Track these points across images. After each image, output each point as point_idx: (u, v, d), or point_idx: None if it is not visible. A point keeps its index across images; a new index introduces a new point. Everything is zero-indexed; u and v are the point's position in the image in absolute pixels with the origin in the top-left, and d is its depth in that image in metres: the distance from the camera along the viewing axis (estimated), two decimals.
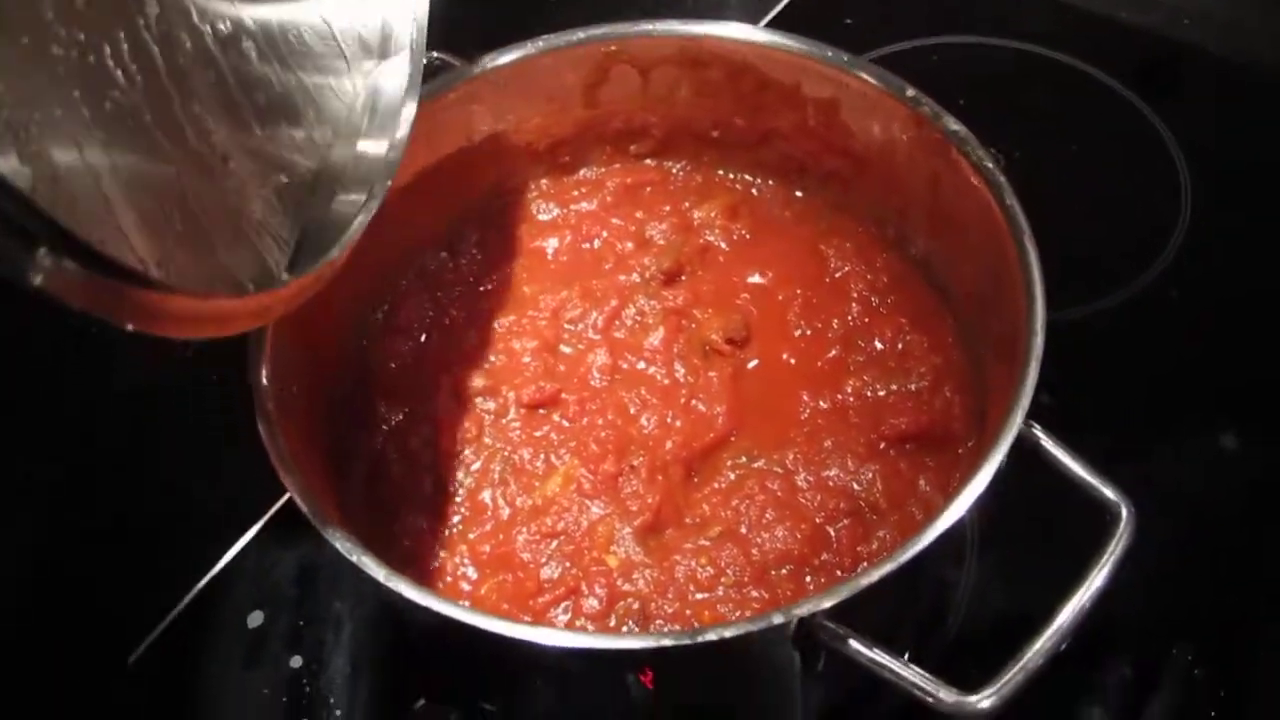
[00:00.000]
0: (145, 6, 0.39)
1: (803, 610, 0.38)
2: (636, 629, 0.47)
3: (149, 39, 0.38)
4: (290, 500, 0.50)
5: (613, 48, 0.59)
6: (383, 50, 0.52)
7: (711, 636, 0.38)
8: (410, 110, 0.51)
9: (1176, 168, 0.74)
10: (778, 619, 0.38)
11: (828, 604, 0.39)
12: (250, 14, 0.44)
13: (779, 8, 0.86)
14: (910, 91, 0.54)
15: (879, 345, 0.56)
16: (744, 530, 0.50)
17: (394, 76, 0.52)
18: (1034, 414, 0.62)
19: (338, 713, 0.57)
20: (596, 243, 0.61)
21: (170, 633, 0.60)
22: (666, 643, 0.38)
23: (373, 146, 0.51)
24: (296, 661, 0.59)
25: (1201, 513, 0.60)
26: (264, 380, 0.48)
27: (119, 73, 0.36)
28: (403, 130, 0.51)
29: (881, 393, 0.54)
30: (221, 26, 0.43)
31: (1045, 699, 0.54)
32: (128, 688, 0.59)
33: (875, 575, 0.39)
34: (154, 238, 0.36)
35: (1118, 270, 0.69)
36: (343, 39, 0.50)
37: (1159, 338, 0.67)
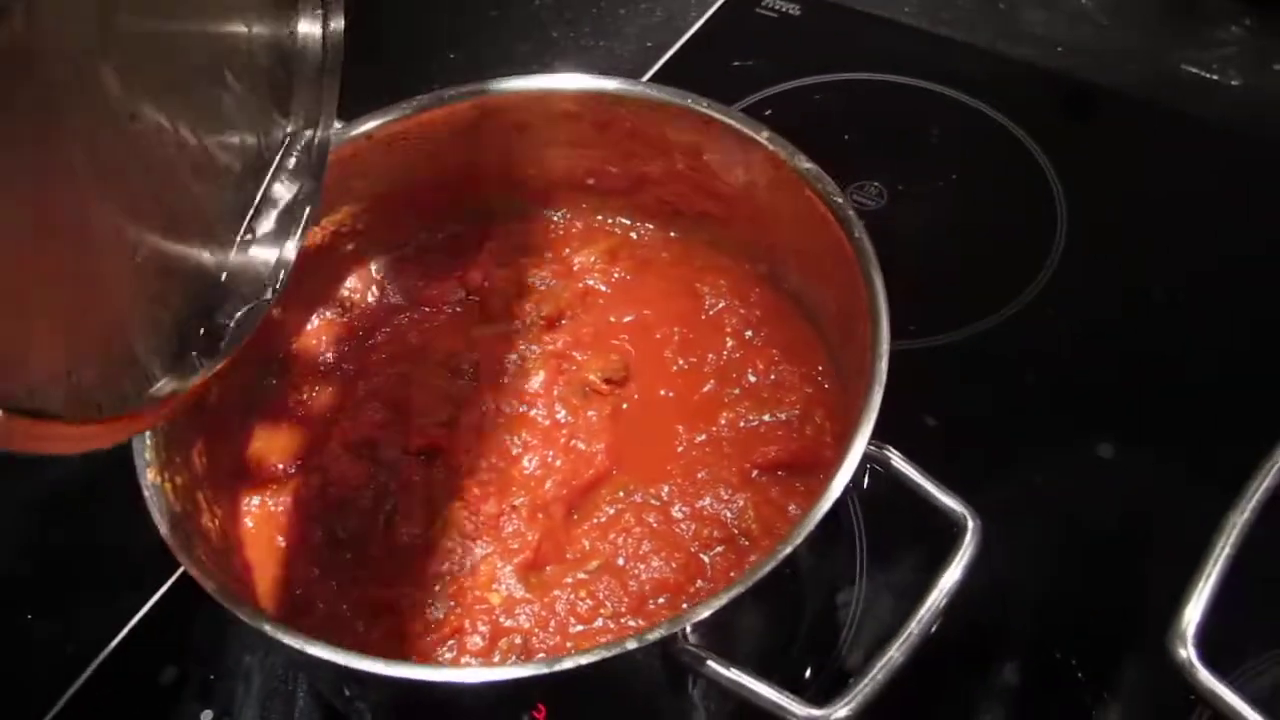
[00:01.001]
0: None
1: (655, 635, 0.40)
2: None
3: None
4: None
5: (486, 105, 0.61)
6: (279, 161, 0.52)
7: (569, 665, 0.40)
8: (306, 215, 0.52)
9: (1053, 192, 0.77)
10: (631, 644, 0.40)
11: (680, 628, 0.41)
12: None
13: (670, 53, 0.89)
14: (765, 134, 0.57)
15: (752, 378, 0.58)
16: (622, 562, 0.52)
17: (291, 184, 0.53)
18: (918, 436, 0.65)
19: None
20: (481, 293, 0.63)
21: (82, 694, 0.61)
22: (524, 673, 0.40)
23: (265, 253, 0.51)
24: (208, 716, 0.60)
25: (1081, 518, 0.62)
26: (150, 480, 0.48)
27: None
28: (296, 237, 0.51)
29: (755, 423, 0.56)
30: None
31: (936, 710, 0.57)
32: None
33: (725, 598, 0.41)
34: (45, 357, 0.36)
35: (997, 292, 0.72)
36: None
37: (1037, 355, 0.69)
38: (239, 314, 0.49)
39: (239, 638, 0.62)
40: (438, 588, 0.52)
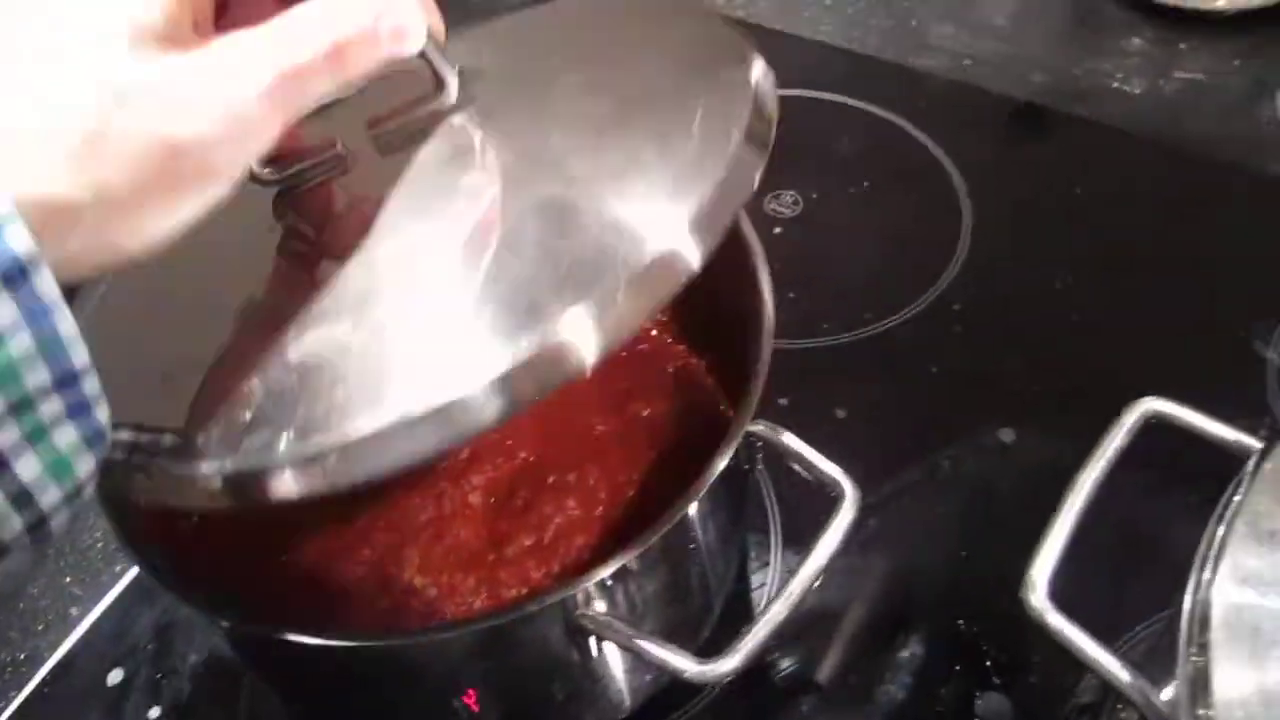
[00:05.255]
0: None
1: (553, 599, 0.43)
2: None
3: None
4: None
5: None
6: None
7: (480, 626, 0.43)
8: None
9: (957, 194, 0.82)
10: (531, 607, 0.43)
11: (571, 592, 0.44)
12: None
13: None
14: None
15: (669, 369, 0.62)
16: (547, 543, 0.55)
17: None
18: (828, 427, 0.68)
19: None
20: None
21: (34, 696, 0.64)
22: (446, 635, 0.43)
23: None
24: (155, 712, 0.62)
25: (985, 498, 0.66)
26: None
27: None
28: None
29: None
30: None
31: (845, 679, 0.60)
32: None
33: (611, 567, 0.44)
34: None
35: (905, 291, 0.76)
36: None
37: (942, 349, 0.73)
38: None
39: (186, 638, 0.65)
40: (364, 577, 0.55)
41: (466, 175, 0.41)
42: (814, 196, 0.82)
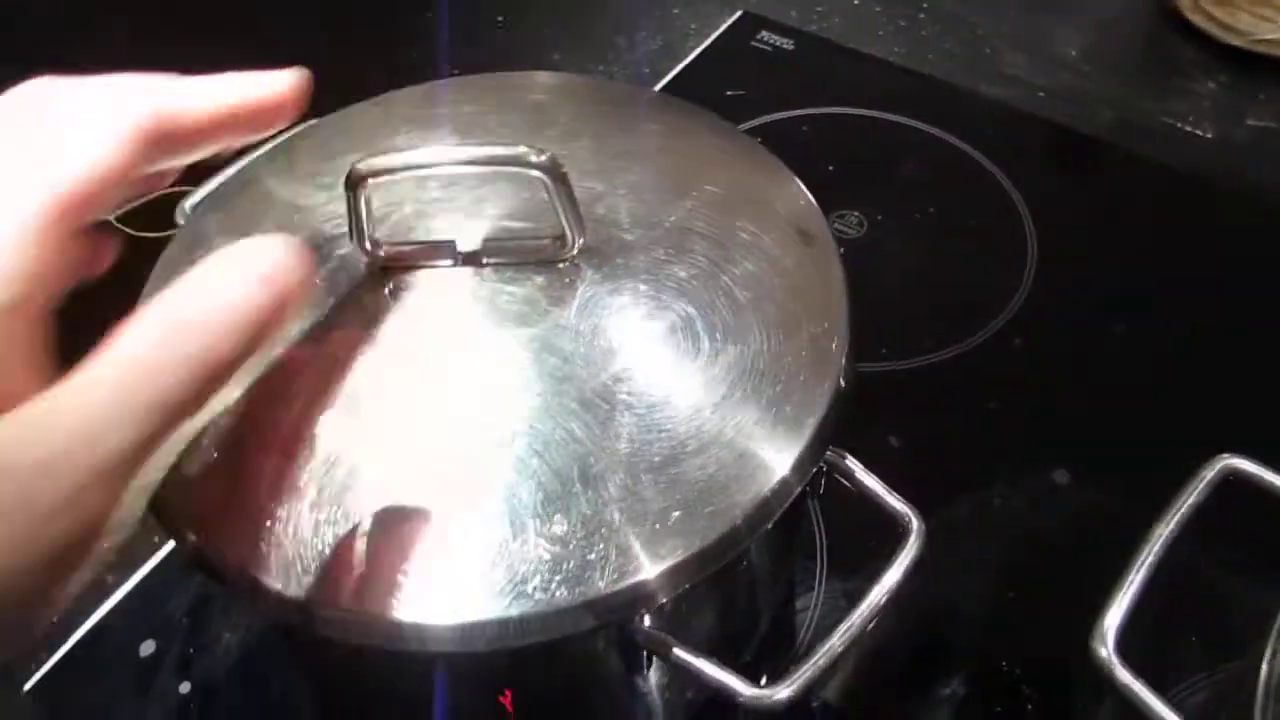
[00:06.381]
0: None
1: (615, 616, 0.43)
2: None
3: None
4: None
5: None
6: None
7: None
8: None
9: (1024, 228, 0.81)
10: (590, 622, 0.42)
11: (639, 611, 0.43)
12: None
13: (665, 80, 0.93)
14: None
15: None
16: None
17: None
18: (882, 454, 0.67)
19: None
20: None
21: (64, 662, 0.63)
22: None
23: None
24: (185, 687, 0.62)
25: (1035, 539, 0.65)
26: None
27: None
28: None
29: None
30: None
31: (885, 712, 0.59)
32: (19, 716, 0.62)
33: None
34: None
35: (967, 322, 0.75)
36: None
37: (1002, 383, 0.73)
38: None
39: (220, 616, 0.65)
40: None
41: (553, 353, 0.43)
42: (879, 218, 0.82)
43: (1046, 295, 0.76)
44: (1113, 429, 0.69)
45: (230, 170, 0.57)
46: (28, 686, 0.62)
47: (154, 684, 0.62)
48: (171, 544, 0.66)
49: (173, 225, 0.57)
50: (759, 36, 0.95)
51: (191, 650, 0.63)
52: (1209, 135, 0.88)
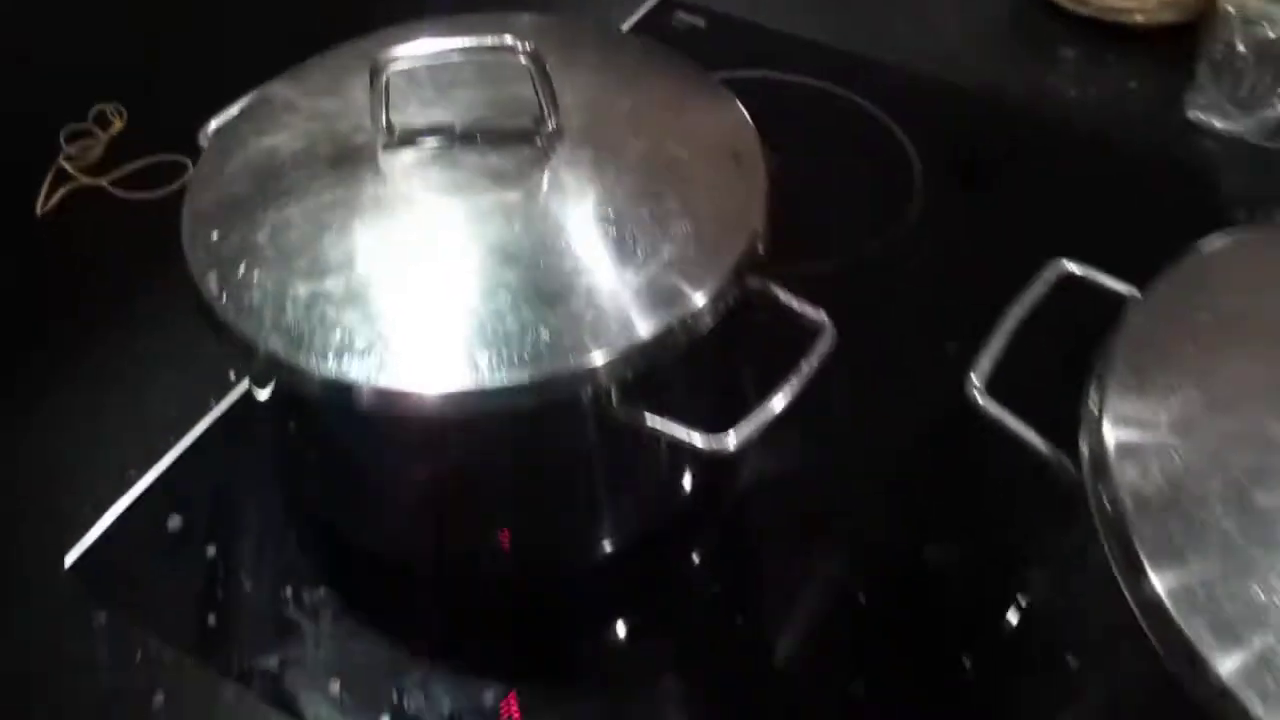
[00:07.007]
0: None
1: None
2: None
3: None
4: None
5: None
6: None
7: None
8: None
9: (911, 164, 0.95)
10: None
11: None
12: None
13: None
14: None
15: None
16: None
17: None
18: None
19: (247, 584, 0.69)
20: None
21: (100, 541, 0.71)
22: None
23: None
24: (211, 550, 0.70)
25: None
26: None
27: None
28: None
29: None
30: None
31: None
32: None
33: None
34: None
35: (861, 237, 0.89)
36: None
37: (901, 272, 0.86)
38: None
39: (243, 495, 0.73)
40: None
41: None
42: (788, 158, 0.94)
43: (932, 214, 0.91)
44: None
45: (244, 98, 0.67)
46: (69, 563, 0.69)
47: (182, 551, 0.70)
48: (194, 434, 0.76)
49: (162, 188, 0.67)
50: (676, 16, 1.08)
51: (216, 524, 0.71)
52: (1072, 93, 1.03)
